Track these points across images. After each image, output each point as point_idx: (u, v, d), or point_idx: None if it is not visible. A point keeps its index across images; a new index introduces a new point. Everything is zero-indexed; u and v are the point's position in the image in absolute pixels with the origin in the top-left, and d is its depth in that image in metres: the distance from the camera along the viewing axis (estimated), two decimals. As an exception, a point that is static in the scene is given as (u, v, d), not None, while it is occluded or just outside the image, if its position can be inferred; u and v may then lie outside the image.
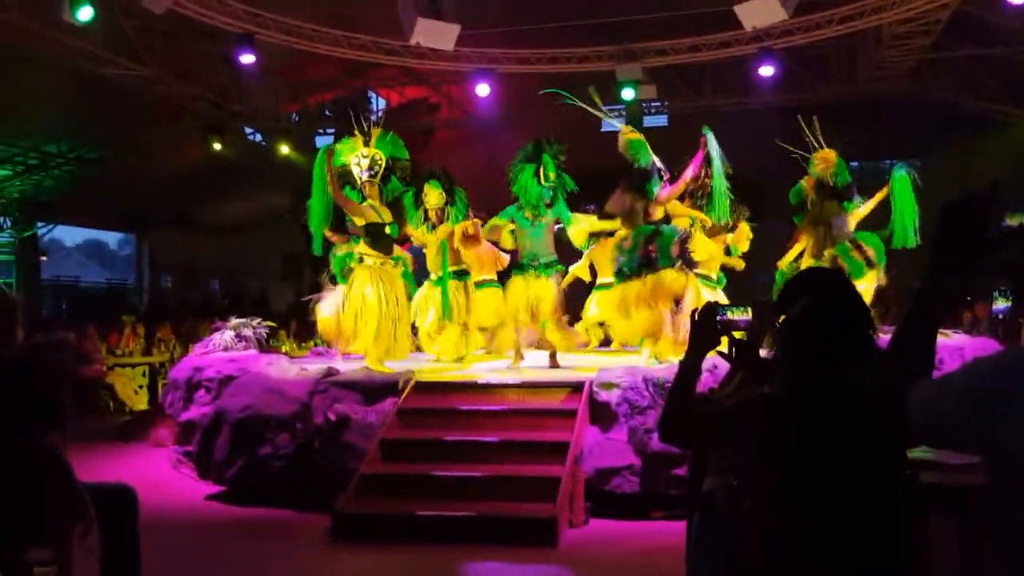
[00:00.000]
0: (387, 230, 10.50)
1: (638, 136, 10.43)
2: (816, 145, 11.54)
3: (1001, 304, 11.57)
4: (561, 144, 10.79)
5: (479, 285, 12.08)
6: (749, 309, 3.38)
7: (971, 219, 2.22)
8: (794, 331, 2.83)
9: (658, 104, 21.54)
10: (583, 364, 10.69)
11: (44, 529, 4.95)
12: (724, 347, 3.69)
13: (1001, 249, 2.21)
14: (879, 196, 11.63)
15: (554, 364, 10.72)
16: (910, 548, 2.66)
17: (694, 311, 3.32)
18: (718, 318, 3.29)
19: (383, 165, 10.51)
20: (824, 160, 11.43)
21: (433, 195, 11.61)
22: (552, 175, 10.54)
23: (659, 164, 10.27)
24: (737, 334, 3.57)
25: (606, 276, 13.03)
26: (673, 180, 10.32)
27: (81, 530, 4.88)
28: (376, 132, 10.85)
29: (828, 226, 11.28)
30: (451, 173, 11.98)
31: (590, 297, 12.77)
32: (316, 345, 12.76)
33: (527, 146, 10.74)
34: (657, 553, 7.16)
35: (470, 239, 11.35)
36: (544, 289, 10.49)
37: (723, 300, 10.63)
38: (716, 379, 8.00)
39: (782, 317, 2.92)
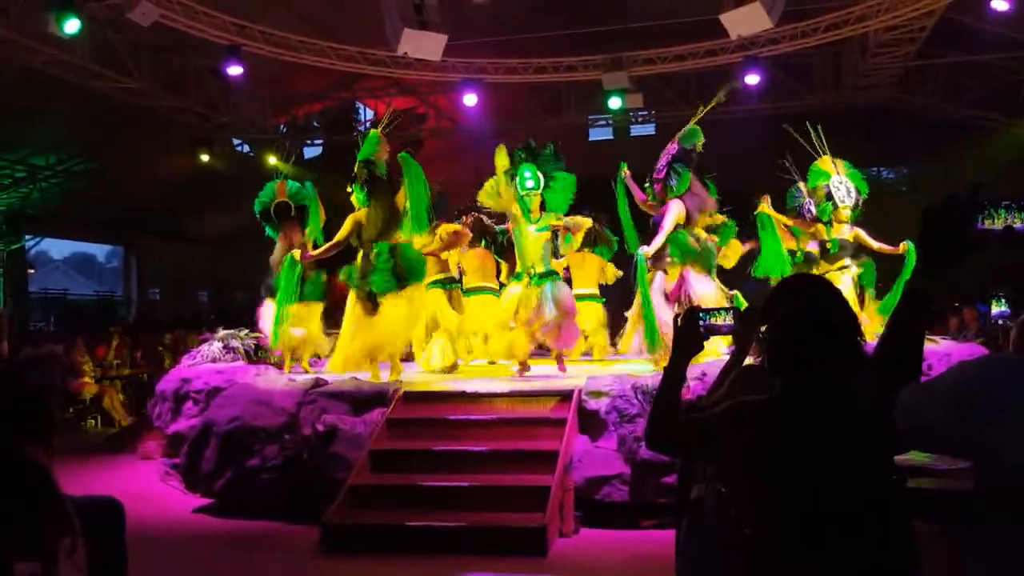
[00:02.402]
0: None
1: None
2: (818, 152, 11.67)
3: (997, 309, 11.57)
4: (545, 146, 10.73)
5: (476, 292, 12.08)
6: (731, 313, 3.37)
7: (953, 221, 2.23)
8: (778, 337, 2.83)
9: (645, 113, 21.57)
10: (571, 373, 10.69)
11: (31, 543, 4.94)
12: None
13: (983, 249, 2.22)
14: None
15: (562, 368, 10.84)
16: (899, 554, 2.65)
17: (676, 316, 3.32)
18: (701, 323, 3.28)
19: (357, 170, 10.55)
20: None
21: None
22: (530, 184, 10.45)
23: None
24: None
25: (583, 287, 13.08)
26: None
27: (68, 544, 4.87)
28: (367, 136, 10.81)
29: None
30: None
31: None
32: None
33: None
34: (647, 562, 7.17)
35: (450, 242, 11.44)
36: (536, 298, 10.47)
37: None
38: (705, 387, 8.03)
39: (763, 326, 2.92)
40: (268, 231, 11.91)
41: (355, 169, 10.56)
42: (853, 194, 11.60)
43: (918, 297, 2.40)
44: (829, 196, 11.56)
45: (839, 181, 11.59)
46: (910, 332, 2.44)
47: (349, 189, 10.68)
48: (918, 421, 2.27)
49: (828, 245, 11.63)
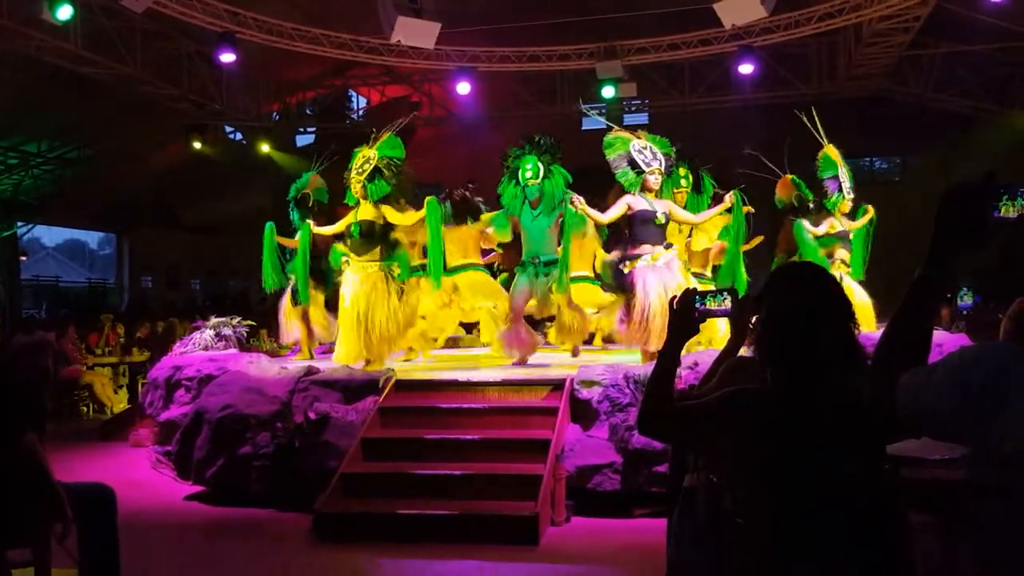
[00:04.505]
0: (352, 229, 10.61)
1: None
2: (821, 141, 11.61)
3: (964, 301, 11.54)
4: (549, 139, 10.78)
5: (461, 269, 12.04)
6: (728, 298, 3.33)
7: (971, 207, 2.22)
8: (768, 326, 2.82)
9: (638, 102, 21.60)
10: (564, 361, 10.71)
11: (22, 530, 4.93)
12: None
13: (996, 238, 2.21)
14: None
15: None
16: (892, 544, 2.65)
17: (672, 299, 3.28)
18: (697, 307, 3.25)
19: (372, 164, 10.47)
20: (783, 187, 11.65)
21: None
22: (530, 175, 10.52)
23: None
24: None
25: (577, 270, 13.05)
26: None
27: (60, 530, 4.86)
28: (384, 135, 10.78)
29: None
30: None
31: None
32: (297, 344, 12.76)
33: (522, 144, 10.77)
34: (638, 550, 7.16)
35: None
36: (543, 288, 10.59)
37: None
38: (697, 376, 8.02)
39: (755, 317, 2.91)
40: (294, 217, 12.08)
41: (391, 164, 10.66)
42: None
43: (928, 284, 2.38)
44: (840, 187, 11.54)
45: (843, 172, 11.59)
46: (918, 319, 2.42)
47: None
48: (919, 405, 2.27)
49: (852, 237, 11.61)
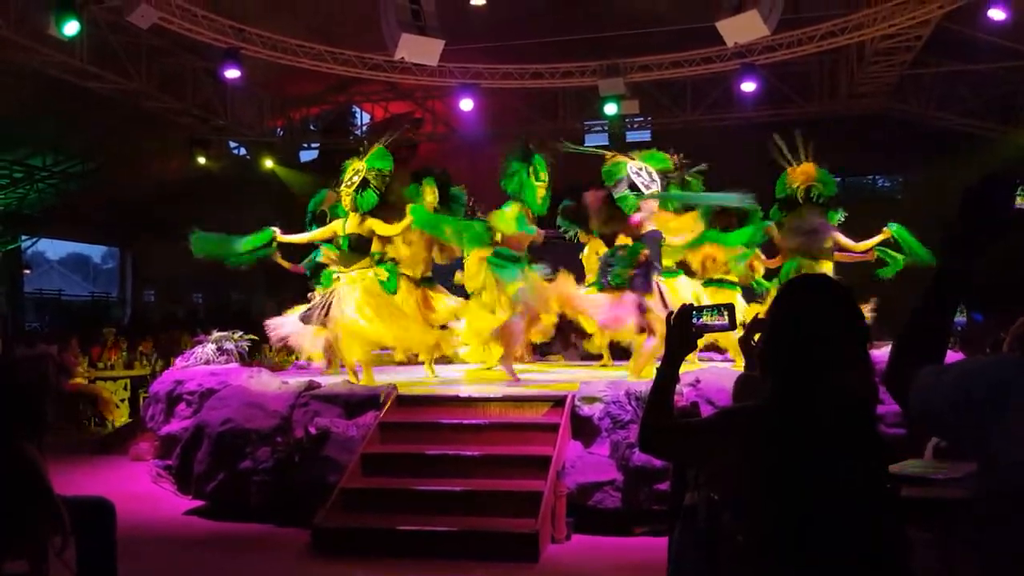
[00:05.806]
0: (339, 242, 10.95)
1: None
2: (793, 160, 11.63)
3: (961, 317, 11.54)
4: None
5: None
6: (725, 313, 3.30)
7: (996, 200, 2.24)
8: (768, 341, 2.81)
9: (641, 119, 21.61)
10: (566, 378, 10.70)
11: (21, 541, 4.92)
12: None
13: (1013, 229, 2.24)
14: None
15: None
16: (892, 563, 2.64)
17: (669, 314, 3.26)
18: (693, 322, 3.23)
19: (361, 176, 10.62)
20: (804, 174, 11.58)
21: (427, 193, 11.50)
22: (544, 175, 10.75)
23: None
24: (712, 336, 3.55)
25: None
26: None
27: (58, 543, 4.86)
28: (374, 148, 10.91)
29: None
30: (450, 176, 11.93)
31: None
32: (298, 359, 12.75)
33: (517, 149, 10.89)
34: (639, 569, 7.16)
35: None
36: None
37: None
38: (699, 393, 8.04)
39: (757, 336, 2.90)
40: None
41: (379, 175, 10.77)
42: None
43: (949, 278, 2.38)
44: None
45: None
46: (938, 315, 2.41)
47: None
48: (927, 407, 2.28)
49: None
